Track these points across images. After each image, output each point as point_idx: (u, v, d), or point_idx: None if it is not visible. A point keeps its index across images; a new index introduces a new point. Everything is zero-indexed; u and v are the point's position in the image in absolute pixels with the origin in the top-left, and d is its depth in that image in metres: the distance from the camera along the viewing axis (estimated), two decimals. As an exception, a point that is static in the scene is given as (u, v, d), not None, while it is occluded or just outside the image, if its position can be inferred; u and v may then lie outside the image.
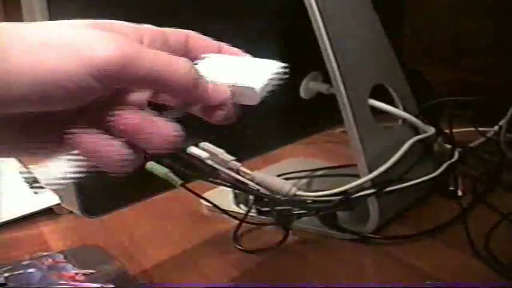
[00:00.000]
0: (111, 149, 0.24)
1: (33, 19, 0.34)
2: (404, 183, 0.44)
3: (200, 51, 0.29)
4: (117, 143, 0.24)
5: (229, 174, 0.42)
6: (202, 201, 0.49)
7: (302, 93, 0.52)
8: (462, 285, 0.37)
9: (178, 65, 0.25)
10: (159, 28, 0.28)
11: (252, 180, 0.43)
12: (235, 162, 0.42)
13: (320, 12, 0.40)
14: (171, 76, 0.24)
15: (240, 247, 0.43)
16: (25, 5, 0.35)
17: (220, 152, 0.43)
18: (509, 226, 0.43)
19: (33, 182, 0.24)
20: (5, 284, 0.37)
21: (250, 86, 0.27)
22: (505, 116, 0.55)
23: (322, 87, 0.51)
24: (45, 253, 0.42)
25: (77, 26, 0.24)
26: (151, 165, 0.41)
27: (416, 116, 0.48)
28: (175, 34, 0.28)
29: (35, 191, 0.24)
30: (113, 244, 0.45)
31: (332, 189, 0.43)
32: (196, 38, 0.29)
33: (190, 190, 0.43)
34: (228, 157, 0.44)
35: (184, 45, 0.28)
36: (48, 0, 0.34)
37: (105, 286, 0.37)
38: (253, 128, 0.50)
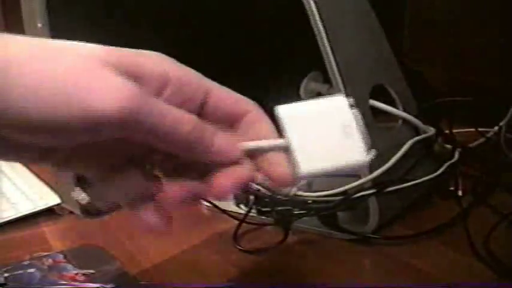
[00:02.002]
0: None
1: (33, 20, 0.34)
2: (404, 183, 0.44)
3: (219, 105, 0.27)
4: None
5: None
6: (202, 201, 0.49)
7: (302, 94, 0.52)
8: (462, 285, 0.37)
9: (183, 121, 0.24)
10: (185, 72, 0.26)
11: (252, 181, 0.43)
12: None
13: (319, 13, 0.40)
14: (173, 134, 0.23)
15: (240, 247, 0.43)
16: (25, 7, 0.35)
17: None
18: (509, 226, 0.43)
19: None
20: (5, 284, 0.37)
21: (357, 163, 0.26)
22: (505, 116, 0.55)
23: (322, 88, 0.51)
24: (45, 253, 0.42)
25: (88, 59, 0.22)
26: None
27: (416, 117, 0.48)
28: (194, 87, 0.26)
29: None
30: (113, 244, 0.45)
31: (332, 189, 0.43)
32: (218, 93, 0.27)
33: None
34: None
35: (204, 98, 0.27)
36: (48, 6, 0.34)
37: (105, 286, 0.37)
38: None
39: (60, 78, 0.21)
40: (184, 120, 0.24)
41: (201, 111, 0.26)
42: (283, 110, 0.26)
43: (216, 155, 0.25)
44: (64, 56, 0.22)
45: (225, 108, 0.27)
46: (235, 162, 0.26)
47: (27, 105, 0.20)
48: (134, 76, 0.23)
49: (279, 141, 0.26)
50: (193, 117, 0.24)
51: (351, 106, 0.27)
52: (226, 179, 0.26)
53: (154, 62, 0.25)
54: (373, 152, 0.27)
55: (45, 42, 0.23)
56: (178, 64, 0.26)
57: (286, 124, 0.26)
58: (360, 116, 0.27)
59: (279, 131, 0.27)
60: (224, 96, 0.27)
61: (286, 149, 0.26)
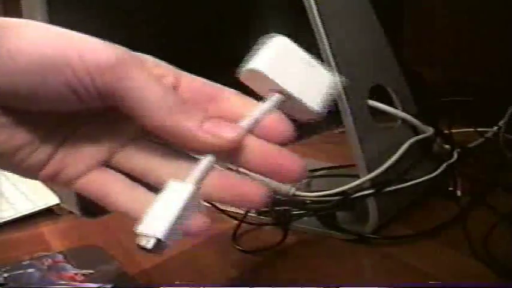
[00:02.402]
0: None
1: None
2: (403, 183, 0.44)
3: (192, 88, 0.26)
4: None
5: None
6: (201, 201, 0.49)
7: (301, 94, 0.52)
8: (461, 285, 0.37)
9: (170, 90, 0.24)
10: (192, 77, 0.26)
11: (251, 181, 0.43)
12: (234, 163, 0.42)
13: (319, 13, 0.40)
14: (159, 102, 0.23)
15: (239, 247, 0.43)
16: (25, 8, 0.35)
17: (220, 152, 0.43)
18: (508, 226, 0.43)
19: None
20: (4, 284, 0.37)
21: (309, 105, 0.25)
22: (505, 116, 0.55)
23: (322, 88, 0.51)
24: (44, 253, 0.42)
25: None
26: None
27: (415, 116, 0.48)
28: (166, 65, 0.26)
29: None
30: (112, 244, 0.45)
31: (331, 189, 0.43)
32: (188, 77, 0.26)
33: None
34: (227, 157, 0.44)
35: (175, 82, 0.26)
36: (49, 4, 0.34)
37: (105, 286, 0.37)
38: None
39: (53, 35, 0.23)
40: (170, 91, 0.24)
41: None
42: (256, 65, 0.25)
43: (204, 141, 0.23)
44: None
45: (199, 90, 0.26)
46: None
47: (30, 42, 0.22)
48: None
49: (273, 99, 0.25)
50: (176, 96, 0.24)
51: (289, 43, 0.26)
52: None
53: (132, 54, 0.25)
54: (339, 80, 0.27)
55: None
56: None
57: (270, 75, 0.25)
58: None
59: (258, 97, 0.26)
60: (193, 79, 0.26)
61: (282, 101, 0.25)
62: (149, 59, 0.25)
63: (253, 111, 0.25)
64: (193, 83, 0.26)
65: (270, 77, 0.25)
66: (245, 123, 0.25)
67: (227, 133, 0.23)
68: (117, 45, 0.24)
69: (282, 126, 0.25)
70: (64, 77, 0.22)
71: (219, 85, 0.26)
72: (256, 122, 0.25)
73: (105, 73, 0.22)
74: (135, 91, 0.23)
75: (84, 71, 0.22)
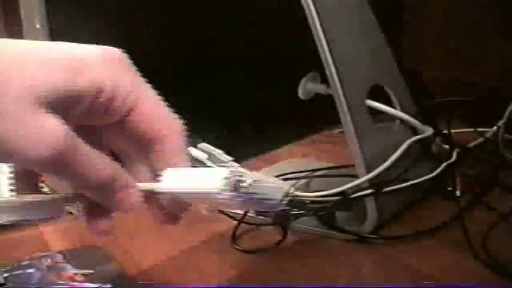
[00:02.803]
0: None
1: (32, 21, 0.35)
2: (402, 183, 0.44)
3: (141, 121, 0.26)
4: None
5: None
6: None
7: (300, 94, 0.52)
8: (460, 285, 0.37)
9: (100, 172, 0.24)
10: (121, 79, 0.25)
11: (250, 181, 0.43)
12: (233, 163, 0.42)
13: (317, 13, 0.40)
14: (87, 181, 0.24)
15: (238, 247, 0.43)
16: (24, 9, 0.35)
17: (219, 153, 0.43)
18: (507, 226, 0.43)
19: None
20: (4, 284, 0.37)
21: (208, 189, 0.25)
22: (504, 116, 0.55)
23: (320, 88, 0.51)
24: (44, 253, 0.42)
25: (21, 101, 0.21)
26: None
27: (414, 117, 0.48)
28: (125, 99, 0.25)
29: None
30: (112, 244, 0.45)
31: (330, 189, 0.43)
32: (145, 107, 0.26)
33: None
34: (227, 158, 0.44)
35: (130, 110, 0.26)
36: (47, 7, 0.34)
37: (104, 286, 0.37)
38: (251, 128, 0.50)
39: None
40: (101, 170, 0.24)
41: (123, 120, 0.26)
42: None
43: (114, 206, 0.26)
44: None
45: (148, 126, 0.26)
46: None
47: None
48: (67, 101, 0.23)
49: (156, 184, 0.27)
50: (111, 168, 0.25)
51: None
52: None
53: (92, 72, 0.24)
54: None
55: None
56: (117, 66, 0.25)
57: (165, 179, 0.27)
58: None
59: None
60: (150, 112, 0.26)
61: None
62: (91, 64, 0.24)
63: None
64: (147, 117, 0.26)
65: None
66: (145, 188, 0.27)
67: (128, 207, 0.27)
68: (52, 130, 0.22)
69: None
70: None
71: (173, 124, 0.27)
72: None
73: (37, 168, 0.23)
74: (75, 173, 0.24)
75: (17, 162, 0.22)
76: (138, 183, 0.27)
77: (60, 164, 0.22)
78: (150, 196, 0.28)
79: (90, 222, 0.28)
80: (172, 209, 0.29)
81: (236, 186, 0.25)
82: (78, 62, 0.23)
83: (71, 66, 0.23)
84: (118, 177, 0.25)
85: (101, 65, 0.24)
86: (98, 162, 0.24)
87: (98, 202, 0.27)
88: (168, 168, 0.27)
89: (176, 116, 0.27)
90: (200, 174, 0.26)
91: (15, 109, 0.21)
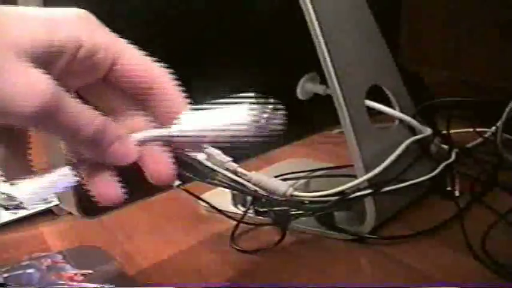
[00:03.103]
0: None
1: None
2: (401, 183, 0.44)
3: (127, 72, 0.26)
4: None
5: (226, 175, 0.42)
6: (200, 201, 0.49)
7: (299, 94, 0.52)
8: (459, 285, 0.37)
9: (88, 121, 0.24)
10: (99, 35, 0.25)
11: (250, 181, 0.43)
12: (232, 163, 0.42)
13: (316, 13, 0.40)
14: (76, 133, 0.24)
15: (237, 247, 0.43)
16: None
17: (218, 153, 0.43)
18: (506, 226, 0.43)
19: (8, 202, 0.25)
20: (4, 284, 0.38)
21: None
22: (503, 116, 0.55)
23: (319, 89, 0.51)
24: (44, 253, 0.42)
25: (4, 53, 0.22)
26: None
27: (413, 117, 0.49)
28: (106, 52, 0.25)
29: (13, 211, 0.25)
30: (111, 244, 0.45)
31: (329, 189, 0.43)
32: (128, 58, 0.26)
33: (187, 191, 0.44)
34: (226, 158, 0.44)
35: (113, 63, 0.26)
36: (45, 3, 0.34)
37: (104, 286, 0.37)
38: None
39: None
40: (89, 121, 0.24)
41: (109, 75, 0.26)
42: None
43: (110, 159, 0.26)
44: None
45: (134, 76, 0.26)
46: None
47: None
48: (48, 54, 0.23)
49: (168, 131, 0.27)
50: (98, 119, 0.25)
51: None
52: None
53: (69, 27, 0.24)
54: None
55: None
56: (93, 24, 0.25)
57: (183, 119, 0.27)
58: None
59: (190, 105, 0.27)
60: (134, 63, 0.26)
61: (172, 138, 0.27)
62: (66, 21, 0.24)
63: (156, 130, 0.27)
64: (132, 68, 0.26)
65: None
66: (140, 137, 0.27)
67: (123, 158, 0.27)
68: (38, 81, 0.22)
69: (162, 167, 0.28)
70: None
71: (161, 72, 0.27)
72: (153, 140, 0.27)
73: (22, 122, 0.23)
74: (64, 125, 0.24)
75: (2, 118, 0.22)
76: (136, 134, 0.27)
77: (48, 116, 0.22)
78: (148, 149, 0.27)
79: (95, 189, 0.27)
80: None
81: (259, 119, 0.25)
82: (56, 19, 0.24)
83: (49, 23, 0.24)
84: (108, 128, 0.25)
85: (77, 22, 0.25)
86: (86, 114, 0.24)
87: (97, 165, 0.26)
88: (184, 112, 0.27)
89: (161, 66, 0.27)
90: (221, 113, 0.26)
91: (0, 63, 0.22)
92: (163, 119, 0.27)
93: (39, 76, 0.22)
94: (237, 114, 0.26)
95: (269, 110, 0.26)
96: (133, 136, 0.27)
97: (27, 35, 0.23)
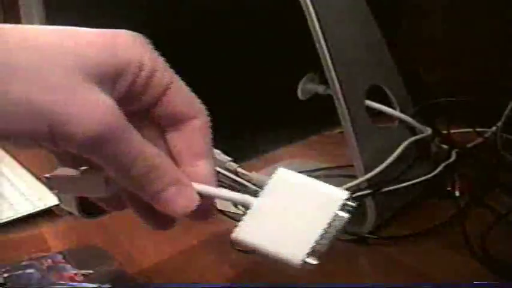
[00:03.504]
0: None
1: (31, 22, 0.35)
2: (401, 183, 0.44)
3: (173, 102, 0.25)
4: None
5: (226, 175, 0.42)
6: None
7: (300, 94, 0.52)
8: (459, 285, 0.37)
9: (143, 157, 0.23)
10: (156, 58, 0.25)
11: (250, 181, 0.43)
12: (232, 163, 0.42)
13: (316, 13, 0.40)
14: (128, 168, 0.22)
15: (238, 247, 0.43)
16: (23, 9, 0.35)
17: (218, 153, 0.43)
18: (506, 226, 0.43)
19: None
20: (4, 284, 0.38)
21: (289, 259, 0.24)
22: (503, 116, 0.55)
23: (319, 88, 0.51)
24: (44, 254, 0.42)
25: (68, 74, 0.21)
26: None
27: (412, 117, 0.49)
28: (163, 75, 0.25)
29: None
30: (111, 244, 0.45)
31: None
32: (176, 88, 0.25)
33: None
34: (226, 158, 0.44)
35: (164, 91, 0.25)
36: (46, 8, 0.34)
37: (104, 286, 0.37)
38: (251, 129, 0.50)
39: (34, 97, 0.20)
40: (143, 158, 0.23)
41: (157, 102, 0.25)
42: (282, 172, 0.25)
43: (161, 204, 0.24)
44: (46, 67, 0.21)
45: (177, 107, 0.25)
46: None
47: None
48: (113, 76, 0.22)
49: (239, 197, 0.25)
50: (159, 156, 0.23)
51: (346, 207, 0.24)
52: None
53: (130, 49, 0.24)
54: (312, 262, 0.24)
55: (37, 40, 0.21)
56: (149, 45, 0.25)
57: (270, 186, 0.24)
58: (342, 223, 0.24)
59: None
60: (181, 94, 0.26)
61: (241, 205, 0.25)
62: (127, 42, 0.24)
63: (219, 191, 0.26)
64: (179, 98, 0.25)
65: (267, 188, 0.25)
66: (204, 190, 0.25)
67: (181, 207, 0.25)
68: (108, 102, 0.21)
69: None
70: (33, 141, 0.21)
71: (200, 108, 0.26)
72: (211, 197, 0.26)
73: (80, 147, 0.21)
74: (113, 158, 0.22)
75: (54, 142, 0.21)
76: (197, 184, 0.25)
77: (105, 142, 0.21)
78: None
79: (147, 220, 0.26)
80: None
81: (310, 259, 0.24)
82: (116, 41, 0.23)
83: (112, 44, 0.23)
84: (167, 170, 0.24)
85: (136, 43, 0.24)
86: (145, 148, 0.23)
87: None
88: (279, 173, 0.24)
89: (201, 103, 0.26)
90: (287, 230, 0.23)
91: (68, 82, 0.21)
92: (182, 157, 0.26)
93: (104, 99, 0.21)
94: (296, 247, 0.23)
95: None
96: (195, 186, 0.24)
97: (95, 58, 0.22)
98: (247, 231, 0.25)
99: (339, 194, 0.24)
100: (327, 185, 0.25)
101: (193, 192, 0.25)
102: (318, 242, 0.24)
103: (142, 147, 0.23)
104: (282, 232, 0.24)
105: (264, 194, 0.24)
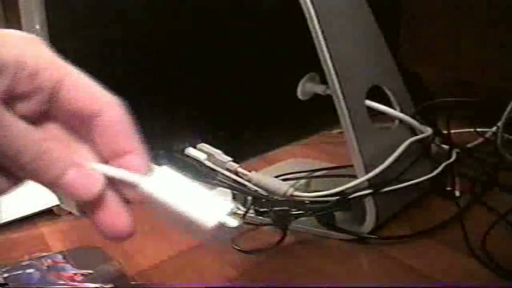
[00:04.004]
0: None
1: (31, 22, 0.35)
2: (401, 183, 0.44)
3: (71, 99, 0.24)
4: None
5: (227, 175, 0.42)
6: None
7: (299, 95, 0.52)
8: (458, 285, 0.37)
9: (28, 145, 0.22)
10: (41, 55, 0.23)
11: (250, 181, 0.43)
12: (232, 163, 0.42)
13: (316, 13, 0.40)
14: (16, 157, 0.22)
15: (238, 247, 0.43)
16: (23, 10, 0.35)
17: (218, 153, 0.43)
18: (506, 226, 0.43)
19: None
20: (4, 284, 0.38)
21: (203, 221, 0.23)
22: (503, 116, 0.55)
23: (319, 89, 0.51)
24: (44, 253, 0.42)
25: None
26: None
27: (413, 117, 0.49)
28: (50, 73, 0.23)
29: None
30: (111, 245, 0.45)
31: (329, 189, 0.43)
32: (72, 83, 0.24)
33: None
34: (226, 158, 0.44)
35: (56, 88, 0.24)
36: (47, 8, 0.34)
37: (104, 286, 0.37)
38: (251, 129, 0.50)
39: None
40: (29, 144, 0.22)
41: (52, 102, 0.24)
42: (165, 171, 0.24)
43: (66, 190, 0.23)
44: None
45: (76, 104, 0.24)
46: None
47: None
48: None
49: (141, 178, 0.24)
50: (40, 140, 0.22)
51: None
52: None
53: (13, 45, 0.23)
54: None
55: None
56: (38, 44, 0.24)
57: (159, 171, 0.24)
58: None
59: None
60: (78, 90, 0.24)
61: (140, 187, 0.24)
62: (9, 40, 0.23)
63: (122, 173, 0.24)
64: (76, 93, 0.24)
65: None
66: (105, 171, 0.24)
67: (84, 190, 0.23)
68: None
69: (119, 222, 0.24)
70: None
71: (108, 100, 0.25)
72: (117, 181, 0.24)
73: None
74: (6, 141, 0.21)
75: None
76: (98, 164, 0.24)
77: None
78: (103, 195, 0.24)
79: (98, 219, 0.24)
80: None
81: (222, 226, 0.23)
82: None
83: None
84: (60, 154, 0.23)
85: (21, 42, 0.23)
86: (29, 134, 0.22)
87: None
88: (163, 168, 0.24)
89: (107, 92, 0.25)
90: (195, 199, 0.24)
91: None
92: (105, 155, 0.24)
93: None
94: (207, 213, 0.23)
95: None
96: (96, 166, 0.24)
97: None
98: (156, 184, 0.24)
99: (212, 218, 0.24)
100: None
101: (95, 173, 0.24)
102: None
103: (26, 134, 0.22)
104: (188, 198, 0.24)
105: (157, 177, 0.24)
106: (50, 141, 0.23)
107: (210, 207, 0.24)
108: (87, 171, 0.23)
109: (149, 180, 0.24)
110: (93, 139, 0.25)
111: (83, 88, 0.24)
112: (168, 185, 0.24)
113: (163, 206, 0.24)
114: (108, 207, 0.24)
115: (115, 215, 0.24)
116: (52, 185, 0.23)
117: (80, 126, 0.25)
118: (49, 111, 0.24)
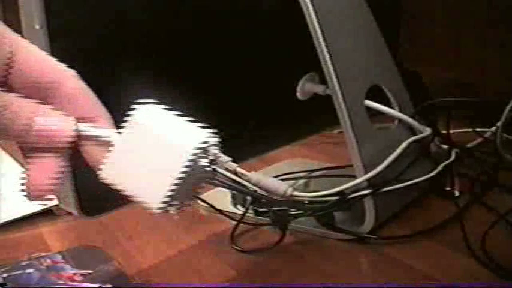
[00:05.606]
0: None
1: (31, 22, 0.35)
2: (400, 183, 0.44)
3: (26, 70, 0.23)
4: None
5: (226, 175, 0.42)
6: (200, 202, 0.49)
7: (299, 95, 0.52)
8: (458, 285, 0.37)
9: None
10: None
11: (249, 181, 0.43)
12: (232, 163, 0.42)
13: (316, 13, 0.40)
14: None
15: (237, 247, 0.43)
16: (23, 9, 0.35)
17: (218, 153, 0.43)
18: (505, 226, 0.43)
19: None
20: (3, 284, 0.38)
21: (149, 203, 0.22)
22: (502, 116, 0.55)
23: (319, 89, 0.51)
24: (43, 253, 0.42)
25: None
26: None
27: (412, 117, 0.49)
28: (1, 46, 0.23)
29: None
30: (111, 244, 0.45)
31: (329, 189, 0.43)
32: (25, 55, 0.23)
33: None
34: (225, 158, 0.44)
35: (9, 60, 0.23)
36: (46, 8, 0.34)
37: (103, 286, 0.37)
38: (250, 129, 0.50)
39: None
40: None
41: (9, 74, 0.23)
42: (140, 114, 0.23)
43: (42, 137, 0.23)
44: None
45: (34, 73, 0.23)
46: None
47: None
48: None
49: (112, 135, 0.23)
50: (2, 92, 0.22)
51: (210, 152, 0.23)
52: (42, 174, 0.23)
53: None
54: (173, 213, 0.23)
55: None
56: None
57: (128, 126, 0.23)
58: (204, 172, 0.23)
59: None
60: (32, 60, 0.24)
61: (106, 142, 0.23)
62: None
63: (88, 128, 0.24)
64: (31, 65, 0.24)
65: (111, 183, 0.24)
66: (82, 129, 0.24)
67: (59, 134, 0.23)
68: None
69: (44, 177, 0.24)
70: None
71: (64, 71, 0.24)
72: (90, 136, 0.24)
73: None
74: None
75: None
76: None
77: None
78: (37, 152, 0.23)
79: (27, 174, 0.23)
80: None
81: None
82: None
83: None
84: (23, 104, 0.22)
85: None
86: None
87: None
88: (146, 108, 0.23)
89: (65, 66, 0.24)
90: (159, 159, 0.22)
91: None
92: None
93: None
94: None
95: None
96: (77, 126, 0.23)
97: None
98: (111, 173, 0.23)
99: (193, 140, 0.22)
100: (189, 127, 0.23)
101: (63, 116, 0.23)
102: (175, 191, 0.22)
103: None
104: (142, 177, 0.23)
105: (126, 131, 0.23)
106: (11, 96, 0.22)
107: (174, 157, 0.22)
108: (57, 115, 0.23)
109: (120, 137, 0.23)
110: (59, 109, 0.24)
111: (36, 59, 0.24)
112: (139, 141, 0.23)
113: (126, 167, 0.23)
114: (43, 162, 0.23)
115: (44, 171, 0.24)
116: (25, 136, 0.23)
117: (44, 98, 0.24)
118: (9, 84, 0.24)
